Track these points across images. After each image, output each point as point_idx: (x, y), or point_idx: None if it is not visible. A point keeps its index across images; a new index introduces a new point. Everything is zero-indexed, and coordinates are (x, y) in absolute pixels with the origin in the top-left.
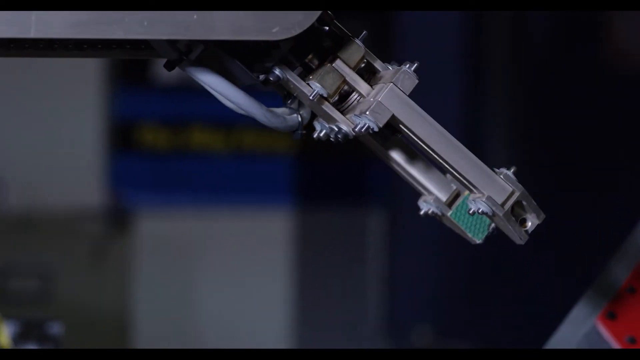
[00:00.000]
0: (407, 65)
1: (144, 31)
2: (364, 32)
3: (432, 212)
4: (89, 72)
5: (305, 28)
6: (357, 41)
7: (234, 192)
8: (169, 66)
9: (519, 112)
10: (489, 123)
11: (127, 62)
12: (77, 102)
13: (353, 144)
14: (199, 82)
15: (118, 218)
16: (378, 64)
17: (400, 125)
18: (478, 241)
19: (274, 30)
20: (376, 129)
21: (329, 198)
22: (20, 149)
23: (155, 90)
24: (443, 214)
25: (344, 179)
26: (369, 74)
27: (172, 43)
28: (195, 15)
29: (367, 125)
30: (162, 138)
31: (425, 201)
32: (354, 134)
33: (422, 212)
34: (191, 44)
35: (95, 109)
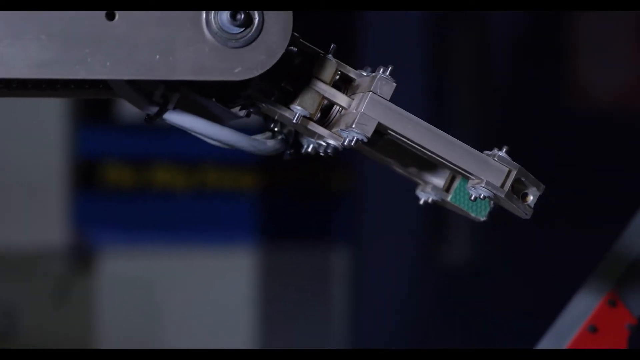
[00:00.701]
0: (382, 70)
1: (106, 71)
2: (332, 45)
3: (432, 200)
4: (52, 109)
5: (267, 68)
6: (328, 56)
7: (197, 230)
8: (149, 121)
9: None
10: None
11: (90, 100)
12: (40, 139)
13: (316, 182)
14: (181, 128)
15: (81, 257)
16: (352, 73)
17: (388, 130)
18: (482, 219)
19: (236, 70)
20: (365, 140)
21: (292, 236)
22: None
23: (119, 129)
24: (443, 200)
25: (308, 217)
26: (345, 84)
27: (149, 95)
28: (157, 55)
29: (355, 138)
30: (125, 176)
31: (422, 191)
32: (343, 147)
33: (421, 202)
34: (167, 94)
35: (58, 147)
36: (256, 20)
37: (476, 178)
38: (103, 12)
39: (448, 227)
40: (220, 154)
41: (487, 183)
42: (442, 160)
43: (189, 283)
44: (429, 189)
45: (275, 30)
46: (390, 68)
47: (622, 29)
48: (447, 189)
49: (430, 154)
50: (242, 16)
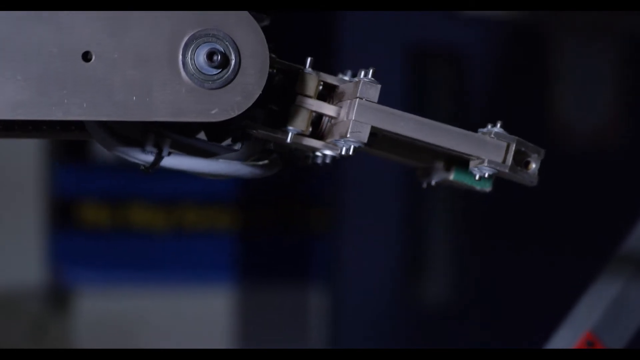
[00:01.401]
0: (363, 74)
1: (83, 113)
2: (309, 58)
3: (434, 182)
4: (30, 148)
5: (244, 110)
6: (308, 70)
7: (175, 269)
8: (147, 170)
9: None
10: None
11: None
12: (17, 178)
13: (294, 221)
14: (178, 171)
15: (58, 296)
16: (335, 81)
17: (382, 131)
18: (488, 190)
19: (213, 112)
20: (362, 146)
21: (270, 275)
22: None
23: (96, 168)
24: (445, 180)
25: (286, 256)
26: (330, 92)
27: (142, 145)
28: (134, 97)
29: (352, 146)
30: (102, 215)
31: (422, 175)
32: (341, 156)
33: (424, 186)
34: (159, 142)
35: (35, 186)
36: (232, 62)
37: (477, 159)
38: (79, 53)
39: (426, 264)
40: (198, 193)
41: (490, 162)
42: (439, 148)
43: (167, 323)
44: (430, 173)
45: (252, 72)
46: (371, 70)
47: (599, 65)
48: (448, 168)
49: (426, 144)
50: (219, 58)
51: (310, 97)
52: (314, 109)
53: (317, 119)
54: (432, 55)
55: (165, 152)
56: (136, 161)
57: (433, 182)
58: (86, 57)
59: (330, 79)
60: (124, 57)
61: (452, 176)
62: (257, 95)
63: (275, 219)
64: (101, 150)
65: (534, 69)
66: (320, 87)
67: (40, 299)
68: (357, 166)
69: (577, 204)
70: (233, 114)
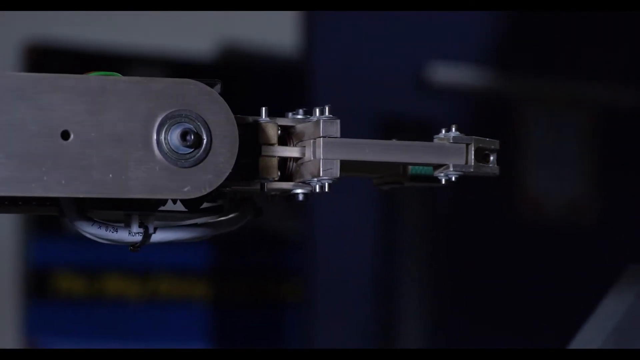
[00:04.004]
0: (318, 112)
1: (62, 190)
2: (264, 107)
3: (391, 188)
4: (3, 219)
5: (215, 187)
6: (266, 119)
7: (149, 339)
8: (135, 249)
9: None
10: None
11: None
12: None
13: (268, 292)
14: (165, 243)
15: None
16: (291, 122)
17: (351, 161)
18: (444, 182)
19: (186, 189)
20: (336, 180)
21: (244, 345)
22: None
23: (70, 238)
24: (402, 183)
25: (261, 326)
26: (287, 134)
27: (128, 226)
28: (110, 174)
29: (326, 184)
30: (77, 285)
31: (378, 184)
32: (315, 193)
33: (383, 191)
34: (143, 221)
35: (9, 257)
36: (204, 142)
37: (442, 165)
38: (59, 132)
39: (400, 329)
40: (173, 263)
41: (455, 165)
42: (405, 164)
43: None
44: (385, 181)
45: (223, 151)
46: (327, 107)
47: (569, 137)
48: (404, 173)
49: (393, 163)
50: (192, 137)
51: (273, 144)
52: (279, 154)
53: (282, 161)
54: (401, 127)
55: (151, 230)
56: (119, 243)
57: (389, 188)
58: (65, 135)
59: (287, 122)
60: (100, 136)
61: (408, 179)
62: (227, 173)
63: (249, 289)
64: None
65: (503, 139)
66: (279, 132)
67: None
68: (328, 237)
69: (548, 278)
70: (205, 192)
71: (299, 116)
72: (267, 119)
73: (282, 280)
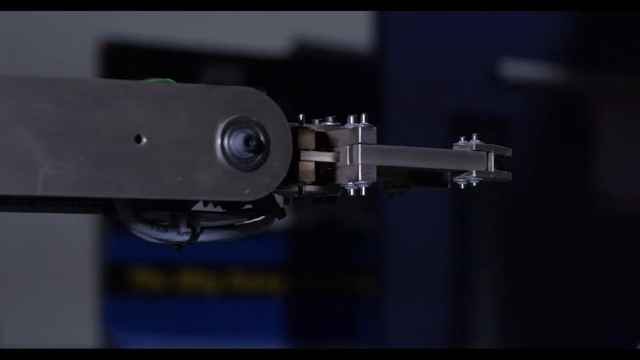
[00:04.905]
0: (352, 120)
1: (135, 191)
2: (301, 115)
3: (399, 191)
4: (80, 215)
5: (271, 190)
6: (305, 126)
7: (224, 333)
8: (179, 248)
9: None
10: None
11: None
12: (70, 244)
13: (342, 286)
14: (209, 242)
15: None
16: (324, 128)
17: (386, 167)
18: (449, 186)
19: (246, 192)
20: (372, 185)
21: (319, 339)
22: (16, 290)
23: None
24: (409, 187)
25: (335, 319)
26: (324, 140)
27: (175, 228)
28: (179, 177)
29: (364, 187)
30: (153, 280)
31: (386, 188)
32: (350, 196)
33: (390, 195)
34: (191, 222)
35: (87, 253)
36: (264, 147)
37: (464, 171)
38: (133, 136)
39: (473, 325)
40: (248, 258)
41: (477, 172)
42: (433, 170)
43: None
44: (395, 183)
45: (278, 156)
46: (364, 115)
47: None
48: (410, 178)
49: (422, 169)
50: (254, 143)
51: (311, 149)
52: (316, 159)
53: (317, 166)
54: (474, 124)
55: (199, 229)
56: (168, 243)
57: (397, 192)
58: (138, 139)
59: (322, 129)
60: (170, 139)
61: (415, 183)
62: (282, 177)
63: (323, 283)
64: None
65: (575, 135)
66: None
67: None
68: (402, 231)
69: (618, 271)
70: (262, 195)
71: (329, 123)
72: (305, 124)
73: (356, 275)
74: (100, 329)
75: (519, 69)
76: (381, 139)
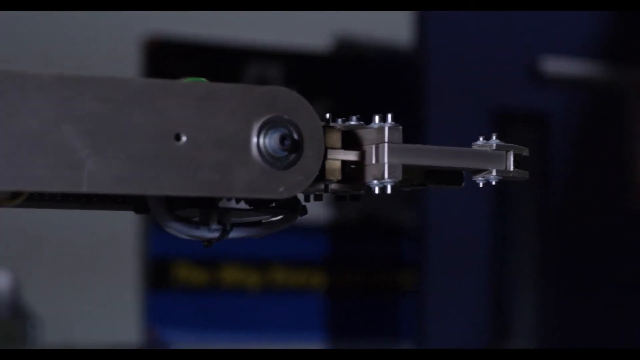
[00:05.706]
0: (377, 119)
1: (174, 188)
2: (328, 114)
3: (414, 189)
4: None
5: (304, 188)
6: (331, 125)
7: (266, 327)
8: (209, 244)
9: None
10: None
11: None
12: (115, 241)
13: (381, 281)
14: (236, 239)
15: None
16: (351, 128)
17: (411, 165)
18: (463, 184)
19: (280, 190)
20: (398, 183)
21: (359, 333)
22: (58, 286)
23: None
24: (424, 185)
25: (374, 314)
26: (349, 138)
27: (206, 225)
28: (217, 175)
29: (390, 186)
30: (196, 276)
31: (402, 186)
32: (376, 194)
33: (405, 192)
34: (222, 219)
35: (131, 249)
36: (299, 146)
37: (485, 170)
38: (172, 134)
39: (511, 320)
40: (288, 254)
41: (497, 171)
42: (456, 168)
43: None
44: (410, 181)
45: (311, 154)
46: (389, 115)
47: None
48: (427, 176)
49: (445, 167)
50: (289, 142)
51: (337, 148)
52: (342, 158)
53: (344, 164)
54: (515, 119)
55: (229, 226)
56: (199, 239)
57: (411, 189)
58: (177, 137)
59: (348, 128)
60: (208, 139)
61: (430, 180)
62: (315, 175)
63: (363, 278)
64: None
65: (615, 130)
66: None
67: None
68: (441, 227)
69: None
70: (295, 192)
71: (353, 122)
72: (331, 124)
73: (397, 271)
74: (143, 324)
75: (559, 66)
76: (423, 137)
